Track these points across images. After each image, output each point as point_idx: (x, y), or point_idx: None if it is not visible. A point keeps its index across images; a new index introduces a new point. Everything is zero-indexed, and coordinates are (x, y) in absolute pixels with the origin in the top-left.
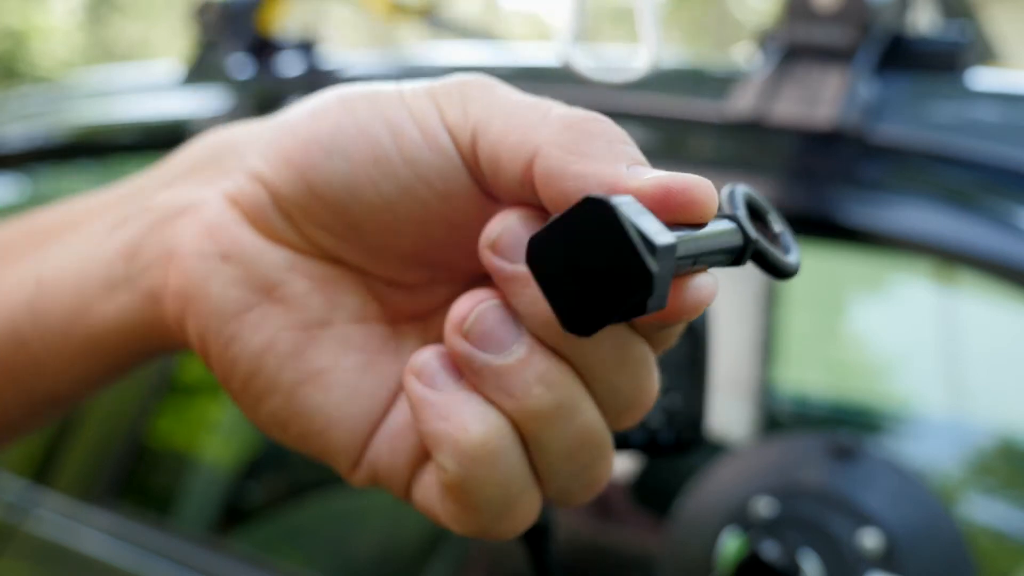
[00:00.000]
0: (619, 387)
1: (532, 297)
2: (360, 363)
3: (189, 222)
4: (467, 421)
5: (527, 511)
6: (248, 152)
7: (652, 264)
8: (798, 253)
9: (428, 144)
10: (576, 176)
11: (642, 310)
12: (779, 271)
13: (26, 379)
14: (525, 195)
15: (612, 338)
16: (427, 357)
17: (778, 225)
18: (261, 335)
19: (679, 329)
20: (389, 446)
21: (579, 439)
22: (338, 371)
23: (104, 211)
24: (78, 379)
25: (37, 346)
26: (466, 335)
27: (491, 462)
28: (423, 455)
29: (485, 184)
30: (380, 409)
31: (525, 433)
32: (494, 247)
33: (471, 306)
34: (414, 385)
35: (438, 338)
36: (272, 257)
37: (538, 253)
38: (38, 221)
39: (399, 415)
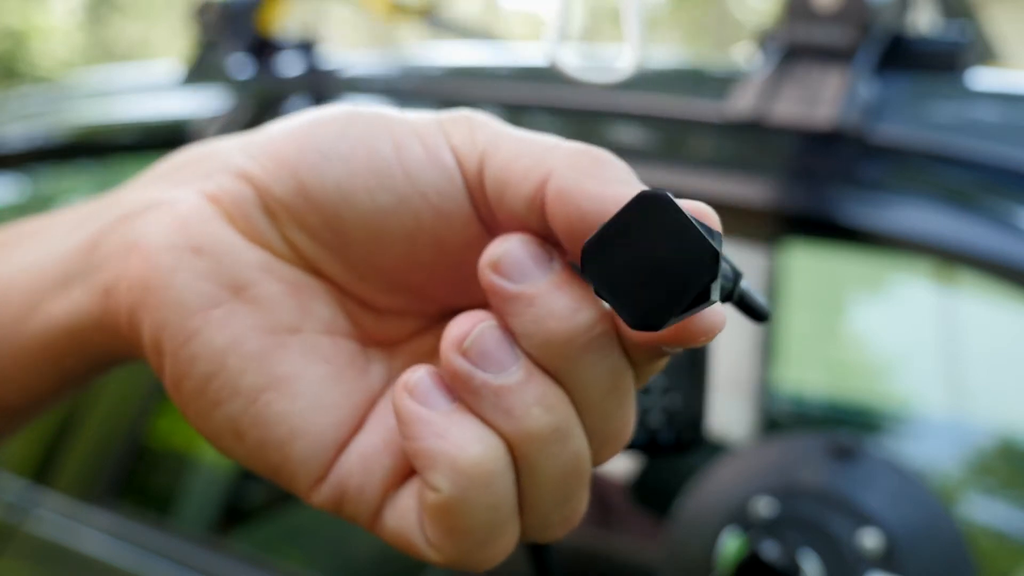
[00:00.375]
0: (608, 414)
1: (533, 317)
2: (328, 374)
3: (159, 215)
4: (464, 440)
5: (507, 542)
6: (232, 153)
7: (716, 245)
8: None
9: (431, 161)
10: (592, 196)
11: (707, 296)
12: (758, 312)
13: None
14: (529, 219)
15: (606, 363)
16: (421, 375)
17: (743, 281)
18: (226, 333)
19: (664, 363)
20: (361, 467)
21: (568, 466)
22: (305, 379)
23: (71, 214)
24: (26, 388)
25: None
26: (465, 353)
27: (485, 484)
28: (398, 479)
29: (485, 209)
30: (348, 425)
31: (519, 457)
32: (495, 267)
33: (471, 325)
34: (407, 402)
35: (404, 365)
36: (247, 256)
37: (593, 258)
38: (4, 231)
39: (373, 435)
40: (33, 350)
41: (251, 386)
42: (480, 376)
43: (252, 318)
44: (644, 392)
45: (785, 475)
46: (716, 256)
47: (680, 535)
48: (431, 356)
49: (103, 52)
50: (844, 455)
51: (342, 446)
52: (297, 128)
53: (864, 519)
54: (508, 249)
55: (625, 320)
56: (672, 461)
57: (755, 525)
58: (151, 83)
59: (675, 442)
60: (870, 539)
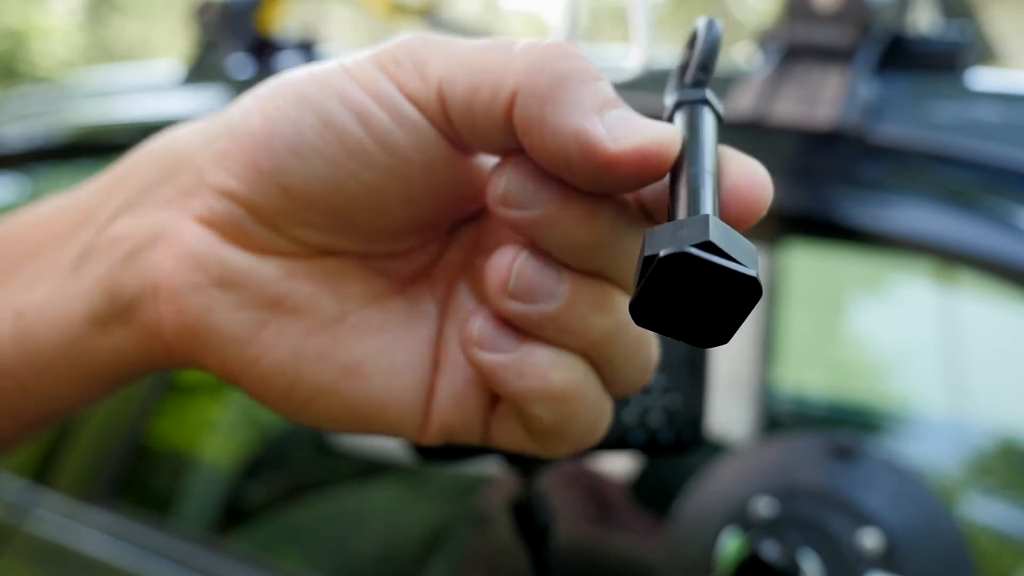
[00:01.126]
0: None
1: (558, 234)
2: (388, 342)
3: (165, 253)
4: (545, 372)
5: (606, 418)
6: (205, 165)
7: (753, 271)
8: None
9: (397, 123)
10: (555, 131)
11: (758, 299)
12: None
13: (13, 402)
14: (508, 141)
15: (629, 231)
16: (480, 324)
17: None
18: (285, 348)
19: None
20: (456, 406)
21: (636, 342)
22: (371, 357)
23: (62, 236)
24: (71, 400)
25: (26, 375)
26: (513, 295)
27: (577, 397)
28: (492, 402)
29: (459, 141)
30: (425, 374)
31: (595, 358)
32: (505, 202)
33: (507, 265)
34: (480, 355)
35: (446, 290)
36: (267, 271)
37: (641, 312)
38: None
39: (453, 373)
40: (81, 376)
41: (328, 382)
42: (534, 310)
43: (300, 325)
44: (644, 392)
45: (785, 475)
46: (757, 284)
47: (680, 535)
48: (464, 268)
49: (103, 52)
50: (844, 455)
51: (430, 393)
52: (252, 122)
53: (864, 519)
54: (508, 181)
55: (692, 344)
56: (672, 461)
57: (755, 525)
58: (151, 83)
59: (675, 442)
60: (870, 539)
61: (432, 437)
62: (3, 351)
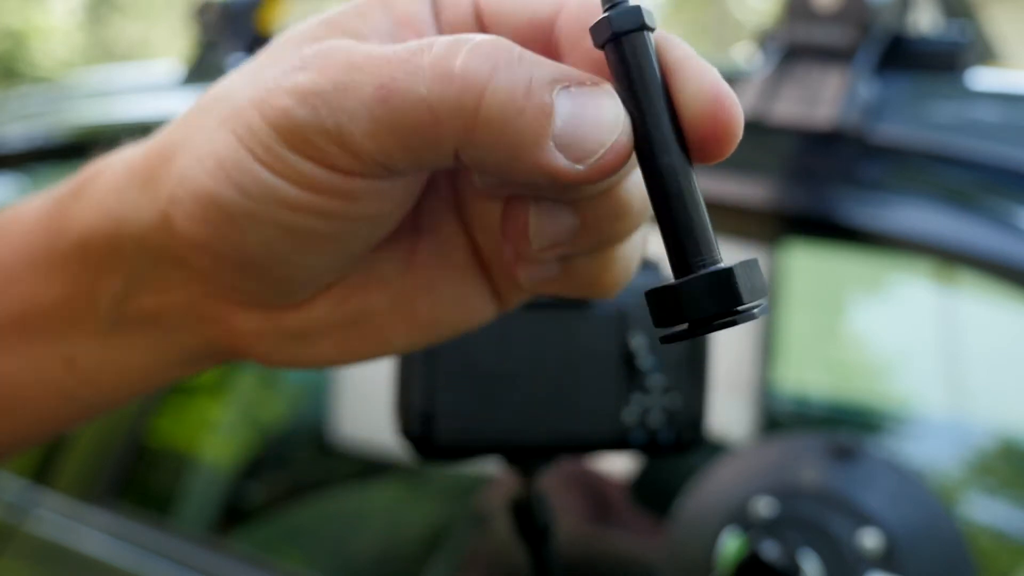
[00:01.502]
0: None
1: (548, 187)
2: (443, 290)
3: (222, 334)
4: (593, 280)
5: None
6: (202, 273)
7: (757, 309)
8: None
9: (351, 201)
10: (512, 172)
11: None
12: None
13: (64, 413)
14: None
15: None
16: (524, 270)
17: None
18: (373, 345)
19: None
20: (520, 292)
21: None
22: (439, 312)
23: (64, 303)
24: (122, 401)
25: (91, 397)
26: (540, 249)
27: (627, 276)
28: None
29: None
30: (486, 289)
31: (632, 239)
32: (484, 186)
33: (523, 228)
34: (537, 288)
35: (455, 198)
36: (320, 313)
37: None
38: None
39: (506, 278)
40: (152, 388)
41: (422, 339)
42: (565, 248)
43: (372, 326)
44: (644, 392)
45: (785, 475)
46: (719, 316)
47: (680, 535)
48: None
49: (103, 52)
50: (844, 455)
51: (497, 294)
52: (229, 252)
53: (864, 519)
54: (479, 174)
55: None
56: (672, 461)
57: (755, 525)
58: (151, 83)
59: (675, 442)
60: (870, 539)
61: (515, 305)
62: (64, 387)
